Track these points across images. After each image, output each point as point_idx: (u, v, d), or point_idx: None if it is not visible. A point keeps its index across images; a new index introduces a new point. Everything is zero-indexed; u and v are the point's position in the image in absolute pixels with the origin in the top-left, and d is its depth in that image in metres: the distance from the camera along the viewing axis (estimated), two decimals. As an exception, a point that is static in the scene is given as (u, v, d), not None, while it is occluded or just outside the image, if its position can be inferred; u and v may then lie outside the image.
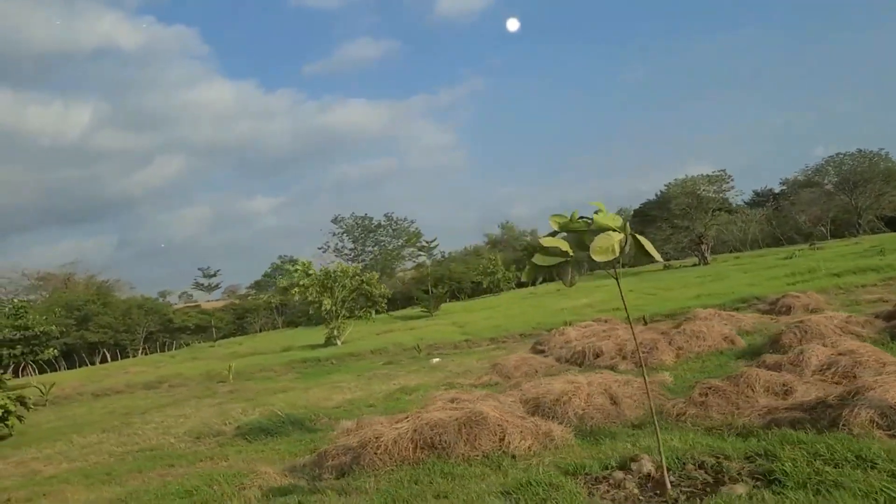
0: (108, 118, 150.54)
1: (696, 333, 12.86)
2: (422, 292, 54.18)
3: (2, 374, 18.96)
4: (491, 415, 7.51)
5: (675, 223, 58.88)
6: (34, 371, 42.21)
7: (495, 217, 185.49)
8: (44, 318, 39.86)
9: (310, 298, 32.41)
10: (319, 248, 66.29)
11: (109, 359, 58.69)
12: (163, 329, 69.81)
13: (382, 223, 67.13)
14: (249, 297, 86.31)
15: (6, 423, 17.71)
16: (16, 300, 41.71)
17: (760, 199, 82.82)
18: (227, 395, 20.55)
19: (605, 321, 21.31)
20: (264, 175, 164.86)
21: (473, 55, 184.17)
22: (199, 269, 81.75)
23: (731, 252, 71.32)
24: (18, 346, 37.70)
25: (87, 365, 53.74)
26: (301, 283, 32.78)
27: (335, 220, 66.69)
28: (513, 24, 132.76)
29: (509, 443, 7.21)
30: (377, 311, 35.16)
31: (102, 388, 29.55)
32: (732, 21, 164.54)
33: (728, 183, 58.04)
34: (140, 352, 63.88)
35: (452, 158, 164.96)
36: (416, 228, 68.49)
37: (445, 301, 51.98)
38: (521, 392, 9.13)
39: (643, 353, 12.39)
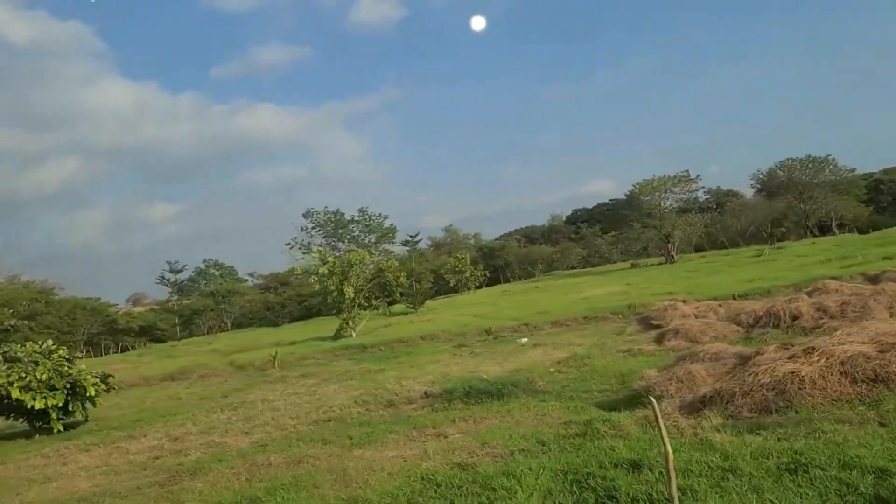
0: None
1: (903, 294, 13.05)
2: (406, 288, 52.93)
3: (75, 353, 16.87)
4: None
5: (645, 222, 60.61)
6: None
7: (408, 226, 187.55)
8: (10, 311, 36.24)
9: (331, 287, 30.91)
10: (287, 245, 63.69)
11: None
12: (106, 331, 65.22)
13: (356, 218, 65.43)
14: (170, 303, 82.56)
15: (92, 404, 15.82)
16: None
17: (686, 206, 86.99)
18: (313, 376, 19.21)
19: (684, 301, 21.47)
20: (167, 180, 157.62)
21: (387, 65, 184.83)
22: (167, 262, 77.56)
23: (681, 254, 73.91)
24: (-16, 343, 34.01)
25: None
26: (319, 271, 31.26)
27: (306, 215, 64.42)
28: (478, 23, 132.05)
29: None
30: (392, 302, 33.98)
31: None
32: (636, 49, 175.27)
33: (697, 183, 60.36)
34: (84, 354, 59.23)
35: (365, 166, 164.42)
36: (391, 224, 67.30)
37: (430, 297, 50.95)
38: (843, 337, 8.79)
39: (854, 312, 12.42)
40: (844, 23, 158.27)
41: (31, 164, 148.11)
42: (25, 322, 37.62)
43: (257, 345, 35.71)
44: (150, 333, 69.09)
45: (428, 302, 49.47)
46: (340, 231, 65.00)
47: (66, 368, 15.38)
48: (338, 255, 33.55)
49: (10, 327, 34.72)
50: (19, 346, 16.47)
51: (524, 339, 20.65)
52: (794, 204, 67.23)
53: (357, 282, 32.30)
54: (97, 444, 12.90)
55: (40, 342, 16.68)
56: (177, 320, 59.21)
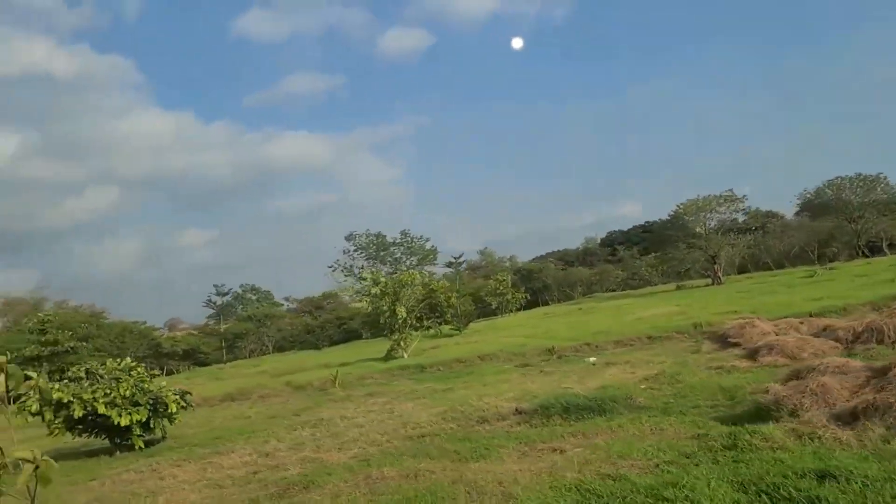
0: (36, 147, 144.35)
1: None
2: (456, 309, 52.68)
3: (152, 371, 17.10)
4: None
5: (690, 242, 59.76)
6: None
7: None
8: (69, 333, 36.89)
9: (384, 308, 30.87)
10: (329, 267, 64.06)
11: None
12: (151, 354, 66.09)
13: (397, 240, 65.69)
14: (208, 327, 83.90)
15: (169, 421, 15.89)
16: (40, 314, 38.43)
17: (727, 227, 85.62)
18: (380, 395, 19.07)
19: (758, 318, 20.91)
20: (201, 208, 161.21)
21: (416, 91, 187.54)
22: (213, 285, 79.84)
23: (726, 275, 72.58)
24: (45, 364, 34.63)
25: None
26: (372, 291, 31.29)
27: (349, 238, 64.90)
28: (517, 43, 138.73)
29: None
30: (443, 323, 33.78)
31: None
32: (656, 68, 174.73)
33: (743, 203, 59.42)
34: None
35: (392, 192, 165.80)
36: (433, 246, 67.37)
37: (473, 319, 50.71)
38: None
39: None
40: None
41: (69, 193, 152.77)
42: (83, 343, 38.30)
43: (305, 367, 35.75)
44: (193, 357, 69.84)
45: (471, 324, 49.27)
46: (382, 253, 65.21)
47: (147, 385, 15.51)
48: (384, 275, 33.48)
49: (69, 349, 35.32)
50: (99, 363, 16.72)
51: (592, 359, 20.28)
52: (843, 224, 65.71)
53: (409, 302, 32.22)
54: (184, 459, 12.90)
55: (118, 359, 16.91)
56: (222, 343, 59.66)
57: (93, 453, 15.32)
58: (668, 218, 62.90)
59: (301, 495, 8.35)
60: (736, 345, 17.32)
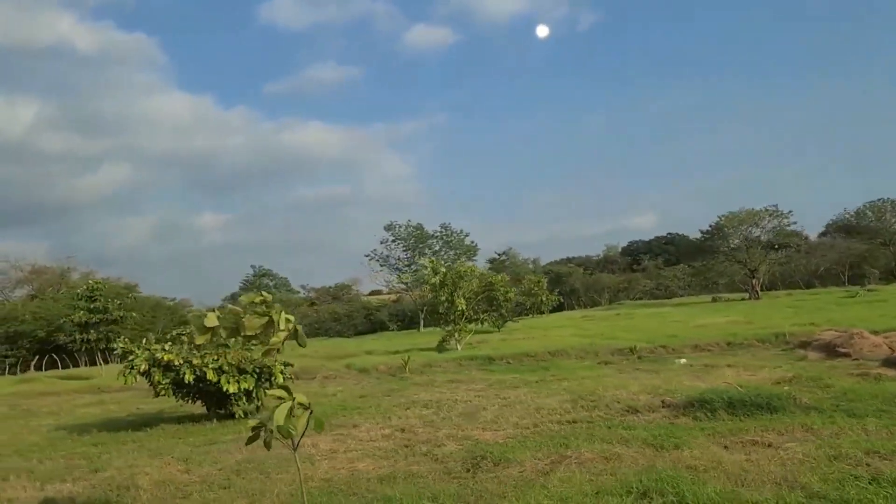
0: (55, 119, 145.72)
1: None
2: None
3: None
4: None
5: (731, 255, 59.07)
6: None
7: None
8: (118, 302, 36.66)
9: (443, 298, 30.48)
10: (366, 256, 63.71)
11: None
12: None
13: (437, 233, 65.02)
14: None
15: (264, 394, 15.49)
16: (91, 280, 38.23)
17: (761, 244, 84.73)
18: (465, 383, 18.56)
19: (858, 331, 20.30)
20: (215, 191, 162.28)
21: (437, 90, 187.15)
22: (251, 265, 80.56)
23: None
24: (92, 332, 34.39)
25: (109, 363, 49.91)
26: (431, 281, 30.89)
27: (388, 227, 64.40)
28: (542, 31, 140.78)
29: None
30: (500, 317, 33.36)
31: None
32: (680, 74, 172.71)
33: (788, 218, 58.66)
34: None
35: (408, 189, 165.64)
36: (472, 242, 66.81)
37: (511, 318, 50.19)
38: None
39: None
40: None
41: (85, 168, 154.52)
42: (132, 314, 38.09)
43: (347, 352, 35.27)
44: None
45: (507, 323, 48.78)
46: (421, 245, 64.66)
47: (251, 354, 15.13)
48: (444, 266, 33.06)
49: (118, 318, 35.11)
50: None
51: (683, 360, 19.76)
52: (877, 247, 64.90)
53: (466, 294, 31.81)
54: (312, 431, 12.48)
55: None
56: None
57: (195, 419, 14.98)
58: (710, 229, 62.04)
59: (499, 470, 7.91)
60: (845, 355, 16.83)
